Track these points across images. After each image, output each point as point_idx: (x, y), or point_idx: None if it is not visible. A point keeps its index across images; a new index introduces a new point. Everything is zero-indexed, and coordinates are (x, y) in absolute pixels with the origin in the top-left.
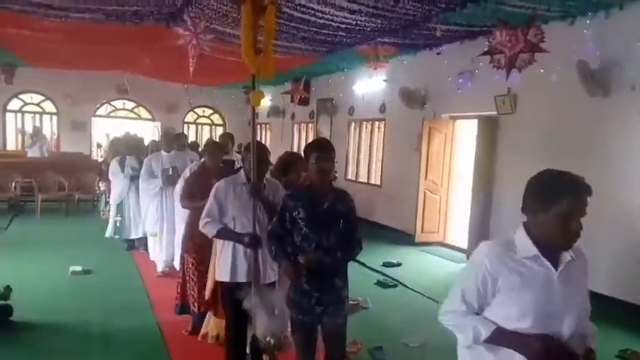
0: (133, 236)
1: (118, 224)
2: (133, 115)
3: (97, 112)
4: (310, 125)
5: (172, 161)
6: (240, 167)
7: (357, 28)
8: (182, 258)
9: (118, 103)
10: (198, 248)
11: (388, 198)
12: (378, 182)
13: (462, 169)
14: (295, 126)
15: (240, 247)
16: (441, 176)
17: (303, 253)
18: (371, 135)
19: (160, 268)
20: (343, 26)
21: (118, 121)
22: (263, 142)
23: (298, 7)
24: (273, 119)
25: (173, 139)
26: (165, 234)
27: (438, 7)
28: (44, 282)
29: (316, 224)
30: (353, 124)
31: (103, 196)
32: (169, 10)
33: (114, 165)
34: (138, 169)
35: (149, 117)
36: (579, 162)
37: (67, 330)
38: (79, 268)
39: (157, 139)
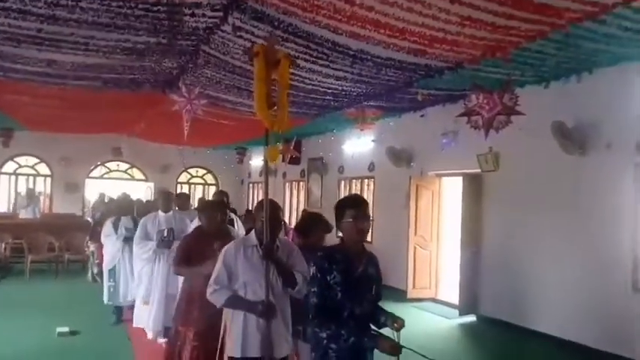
0: (126, 303)
1: (111, 290)
2: (126, 176)
3: (91, 174)
4: (302, 184)
5: (169, 222)
6: (251, 228)
7: (344, 92)
8: (173, 330)
9: (112, 165)
10: (198, 320)
11: (379, 254)
12: (369, 239)
13: (450, 225)
14: (287, 184)
15: (251, 318)
16: (430, 232)
17: (385, 340)
18: (361, 193)
19: (150, 336)
20: (330, 91)
21: (111, 182)
22: (255, 200)
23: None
24: (264, 178)
25: (171, 199)
26: (155, 302)
27: (418, 73)
28: (30, 343)
29: (351, 290)
30: (343, 182)
31: (91, 258)
32: (165, 78)
33: (107, 226)
34: (132, 230)
35: (142, 178)
36: (561, 217)
37: None
38: (65, 329)
39: (149, 199)
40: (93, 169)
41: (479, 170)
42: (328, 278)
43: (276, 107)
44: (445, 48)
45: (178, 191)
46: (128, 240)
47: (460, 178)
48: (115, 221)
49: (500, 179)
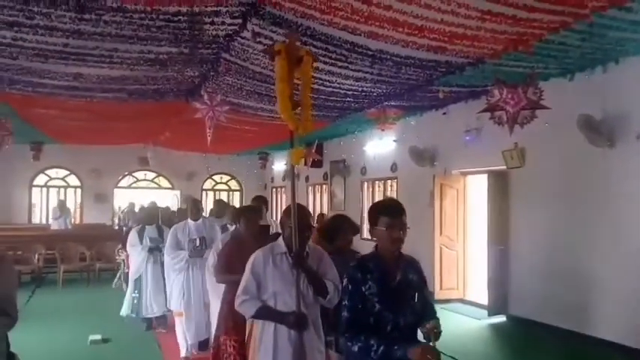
0: (150, 314)
1: (135, 301)
2: (153, 185)
3: (119, 184)
4: (324, 187)
5: (200, 231)
6: (277, 234)
7: (364, 93)
8: (216, 340)
9: (139, 174)
10: (241, 329)
11: (405, 255)
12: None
13: (476, 224)
14: (310, 188)
15: (282, 329)
16: (456, 231)
17: (417, 346)
18: (384, 194)
19: (183, 353)
20: (350, 92)
21: (139, 191)
22: (279, 205)
23: None
24: (288, 182)
25: (200, 207)
26: (193, 313)
27: (438, 71)
28: (63, 350)
29: (390, 300)
30: (366, 183)
31: (122, 265)
32: (187, 87)
33: (132, 236)
34: (158, 239)
35: (169, 186)
36: (590, 211)
37: None
38: (98, 337)
39: (178, 206)
40: (121, 179)
41: (504, 167)
42: (363, 289)
43: (300, 108)
44: (465, 44)
45: (203, 198)
46: (152, 250)
47: (485, 176)
48: (140, 231)
49: (527, 175)
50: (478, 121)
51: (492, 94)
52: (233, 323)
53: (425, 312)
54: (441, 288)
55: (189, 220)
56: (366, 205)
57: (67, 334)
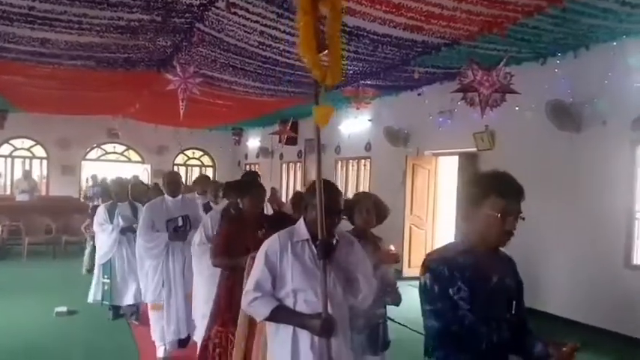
0: (123, 302)
1: (106, 287)
2: (123, 159)
3: (87, 156)
4: (298, 165)
5: (182, 209)
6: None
7: (341, 71)
8: (209, 332)
9: (109, 147)
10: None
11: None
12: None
13: (445, 204)
14: (284, 166)
15: (304, 335)
16: (426, 211)
17: None
18: (357, 173)
19: (161, 353)
20: None
21: (107, 164)
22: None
23: (283, 53)
24: (262, 160)
25: (181, 181)
26: (174, 306)
27: (414, 50)
28: (28, 322)
29: (485, 309)
30: (340, 162)
31: (90, 244)
32: (159, 57)
33: (101, 213)
34: (132, 219)
35: (139, 159)
36: (557, 194)
37: None
38: (63, 309)
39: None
40: (89, 152)
41: (475, 149)
42: (451, 292)
43: (326, 51)
44: (442, 24)
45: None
46: (125, 231)
47: (456, 157)
48: (111, 208)
49: (496, 157)
50: (451, 103)
51: (466, 74)
52: (232, 314)
53: (520, 327)
54: (409, 266)
55: (166, 197)
56: (340, 184)
57: (31, 306)
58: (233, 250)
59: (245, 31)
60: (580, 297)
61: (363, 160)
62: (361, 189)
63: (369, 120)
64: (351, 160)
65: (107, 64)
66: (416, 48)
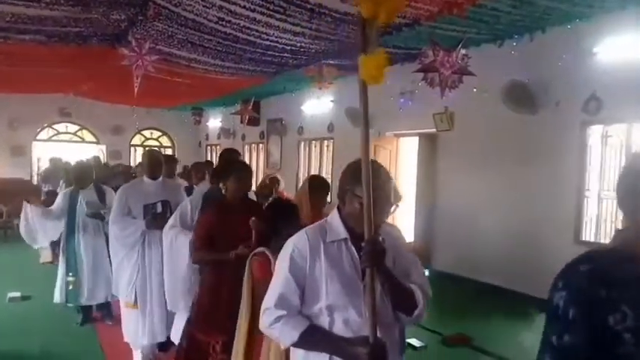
0: (90, 302)
1: (70, 287)
2: (76, 139)
3: (38, 137)
4: (261, 146)
5: (161, 193)
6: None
7: (302, 50)
8: (188, 337)
9: (61, 127)
10: (226, 326)
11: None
12: (328, 199)
13: (406, 185)
14: (246, 147)
15: None
16: None
17: None
18: (320, 154)
19: (138, 358)
20: (288, 48)
21: (60, 145)
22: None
23: (243, 30)
24: (223, 140)
25: (161, 161)
26: (150, 304)
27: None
28: None
29: None
30: (302, 143)
31: None
32: (114, 32)
33: (63, 199)
34: (98, 204)
35: (93, 140)
36: (512, 173)
37: (5, 358)
38: (17, 294)
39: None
40: (40, 132)
41: (434, 130)
42: (611, 321)
43: None
44: (403, 3)
45: (132, 155)
46: (90, 218)
47: (417, 138)
48: (73, 194)
49: (455, 138)
50: (412, 84)
51: (427, 54)
52: (215, 318)
53: None
54: None
55: (145, 179)
56: (303, 165)
57: None
58: (216, 243)
59: (204, 6)
60: (531, 271)
61: (325, 141)
62: (324, 170)
63: (332, 101)
64: (313, 141)
65: (58, 39)
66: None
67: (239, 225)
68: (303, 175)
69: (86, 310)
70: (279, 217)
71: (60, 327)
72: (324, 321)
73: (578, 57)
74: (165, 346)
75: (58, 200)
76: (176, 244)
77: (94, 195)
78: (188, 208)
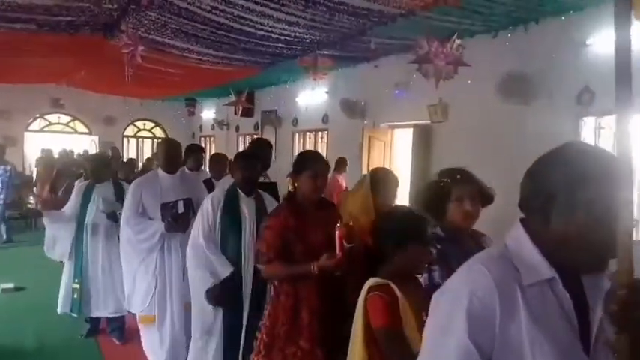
0: (101, 314)
1: (75, 295)
2: (68, 130)
3: (30, 127)
4: (255, 137)
5: (181, 190)
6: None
7: (297, 40)
8: None
9: (53, 117)
10: (278, 342)
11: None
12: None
13: (402, 176)
14: (240, 138)
15: None
16: None
17: None
18: (314, 145)
19: None
20: (283, 38)
21: (52, 135)
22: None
23: (237, 19)
24: (217, 132)
25: (180, 153)
26: (170, 317)
27: (371, 20)
28: None
29: None
30: (297, 135)
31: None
32: (106, 21)
33: (74, 196)
34: (114, 203)
35: (86, 131)
36: (505, 164)
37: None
38: (10, 285)
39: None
40: (32, 122)
41: (429, 121)
42: None
43: None
44: None
45: (125, 147)
46: (107, 218)
47: (411, 130)
48: (87, 190)
49: (449, 130)
50: (407, 75)
51: (421, 45)
52: (292, 348)
53: None
54: None
55: (160, 172)
56: None
57: None
58: (291, 251)
59: None
60: None
61: (320, 133)
62: None
63: (326, 92)
64: (308, 133)
65: (49, 28)
66: (372, 18)
67: (316, 230)
68: None
69: (94, 322)
70: (396, 231)
71: (56, 317)
72: None
73: (572, 49)
74: None
75: (72, 197)
76: (194, 279)
77: (112, 190)
78: (209, 209)
